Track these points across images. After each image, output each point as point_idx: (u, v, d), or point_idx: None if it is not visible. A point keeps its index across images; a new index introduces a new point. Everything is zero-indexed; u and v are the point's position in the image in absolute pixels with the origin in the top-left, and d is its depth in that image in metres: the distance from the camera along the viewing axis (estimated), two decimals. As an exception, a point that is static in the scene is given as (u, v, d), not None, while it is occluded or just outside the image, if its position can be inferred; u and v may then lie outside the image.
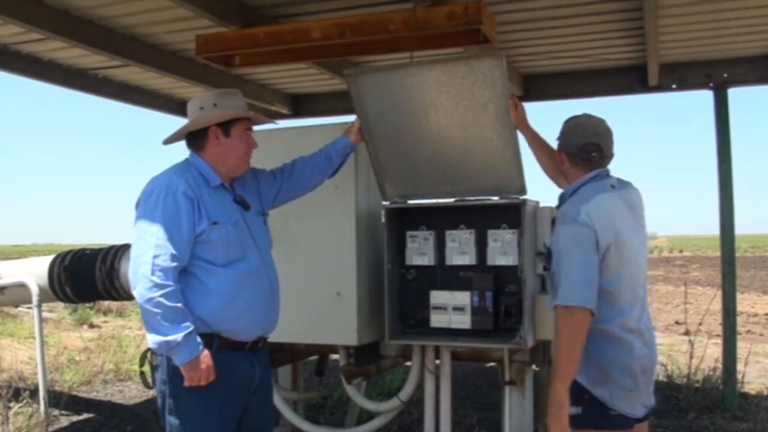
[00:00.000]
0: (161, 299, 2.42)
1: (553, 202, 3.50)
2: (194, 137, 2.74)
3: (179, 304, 2.46)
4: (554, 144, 2.86)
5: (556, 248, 2.59)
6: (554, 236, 2.65)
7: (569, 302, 2.47)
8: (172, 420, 2.58)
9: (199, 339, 2.49)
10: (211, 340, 2.56)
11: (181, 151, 2.86)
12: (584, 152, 2.70)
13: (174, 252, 2.48)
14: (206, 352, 2.51)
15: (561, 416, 2.45)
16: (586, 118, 2.76)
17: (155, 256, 2.45)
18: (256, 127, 2.90)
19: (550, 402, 2.50)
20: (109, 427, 5.44)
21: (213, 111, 2.72)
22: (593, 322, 2.52)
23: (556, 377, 2.50)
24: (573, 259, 2.52)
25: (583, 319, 2.46)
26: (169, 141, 2.83)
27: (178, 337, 2.42)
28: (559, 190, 2.99)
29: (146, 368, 2.69)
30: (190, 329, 2.46)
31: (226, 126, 2.72)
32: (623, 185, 2.74)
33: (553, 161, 3.09)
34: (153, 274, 2.44)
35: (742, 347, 6.49)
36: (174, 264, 2.48)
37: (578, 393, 2.57)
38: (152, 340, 2.45)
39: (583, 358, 2.56)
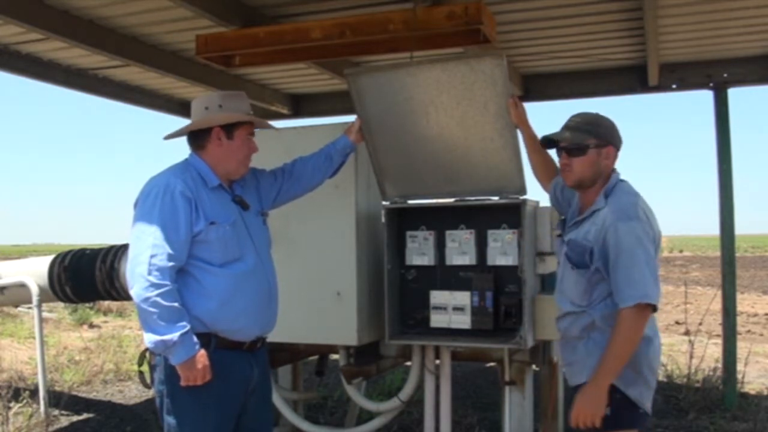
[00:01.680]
0: (158, 299, 2.42)
1: (552, 202, 3.49)
2: (196, 136, 2.74)
3: (176, 304, 2.46)
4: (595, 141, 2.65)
5: (616, 244, 2.49)
6: (601, 232, 2.54)
7: (648, 299, 2.43)
8: (169, 420, 2.59)
9: (195, 339, 2.49)
10: (208, 340, 2.56)
11: (182, 152, 2.86)
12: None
13: (171, 252, 2.49)
14: (202, 351, 2.51)
15: (599, 412, 2.46)
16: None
17: (152, 256, 2.46)
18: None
19: (589, 397, 2.47)
20: (109, 427, 5.44)
21: (218, 112, 2.72)
22: None
23: (607, 372, 2.46)
24: (643, 256, 2.46)
25: (645, 318, 2.46)
26: (170, 136, 2.85)
27: (174, 336, 2.43)
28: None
29: (145, 368, 2.70)
30: (186, 329, 2.46)
31: (229, 128, 2.72)
32: None
33: (545, 164, 3.09)
34: (150, 273, 2.44)
35: (742, 347, 6.49)
36: (171, 264, 2.48)
37: (609, 393, 2.52)
38: (148, 339, 2.46)
39: None
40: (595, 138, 2.65)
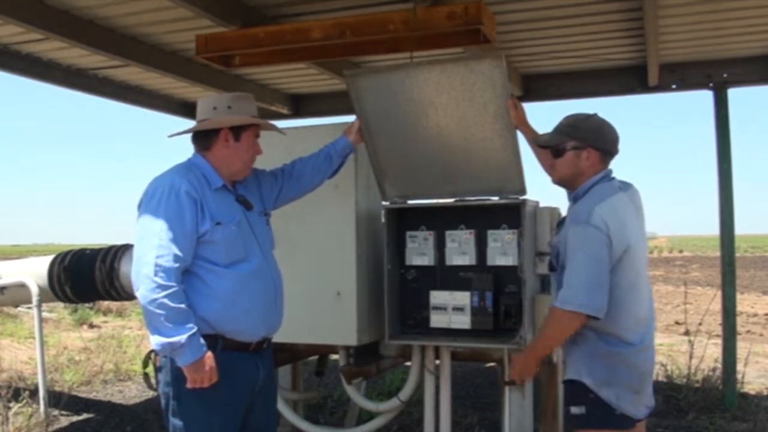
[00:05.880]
0: (164, 300, 2.40)
1: (553, 202, 3.51)
2: (203, 137, 2.73)
3: (182, 305, 2.45)
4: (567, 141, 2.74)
5: (564, 248, 2.58)
6: (564, 235, 2.62)
7: (566, 306, 2.50)
8: (175, 422, 2.57)
9: (202, 340, 2.48)
10: (214, 341, 2.55)
11: (183, 152, 2.86)
12: (616, 148, 2.74)
13: (177, 252, 2.47)
14: (210, 353, 2.49)
15: (524, 375, 2.72)
16: (599, 117, 2.77)
17: (158, 257, 2.44)
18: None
19: (518, 362, 2.70)
20: (109, 427, 5.44)
21: (227, 114, 2.71)
22: (602, 326, 2.54)
23: (533, 351, 2.69)
24: (581, 261, 2.51)
25: (573, 324, 2.53)
26: (175, 135, 2.85)
27: (182, 338, 2.41)
28: (556, 188, 3.01)
29: (149, 370, 2.68)
30: (194, 330, 2.45)
31: (237, 130, 2.71)
32: (626, 186, 2.75)
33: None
34: (155, 275, 2.42)
35: (742, 347, 6.49)
36: (176, 264, 2.47)
37: (583, 393, 2.59)
38: (155, 341, 2.44)
39: (591, 359, 2.59)
40: (574, 140, 2.70)
